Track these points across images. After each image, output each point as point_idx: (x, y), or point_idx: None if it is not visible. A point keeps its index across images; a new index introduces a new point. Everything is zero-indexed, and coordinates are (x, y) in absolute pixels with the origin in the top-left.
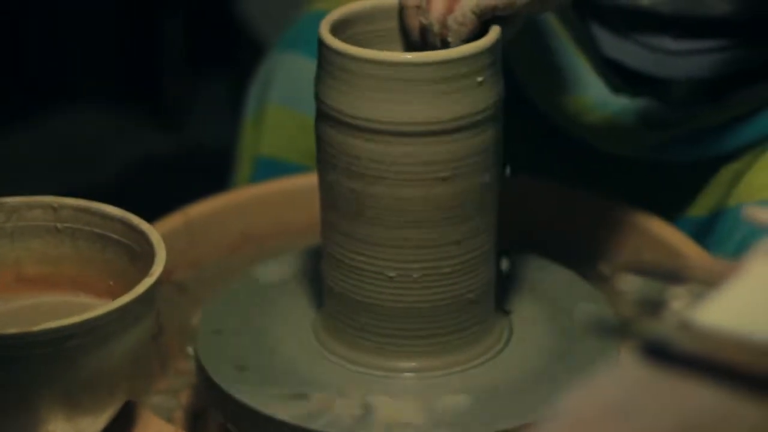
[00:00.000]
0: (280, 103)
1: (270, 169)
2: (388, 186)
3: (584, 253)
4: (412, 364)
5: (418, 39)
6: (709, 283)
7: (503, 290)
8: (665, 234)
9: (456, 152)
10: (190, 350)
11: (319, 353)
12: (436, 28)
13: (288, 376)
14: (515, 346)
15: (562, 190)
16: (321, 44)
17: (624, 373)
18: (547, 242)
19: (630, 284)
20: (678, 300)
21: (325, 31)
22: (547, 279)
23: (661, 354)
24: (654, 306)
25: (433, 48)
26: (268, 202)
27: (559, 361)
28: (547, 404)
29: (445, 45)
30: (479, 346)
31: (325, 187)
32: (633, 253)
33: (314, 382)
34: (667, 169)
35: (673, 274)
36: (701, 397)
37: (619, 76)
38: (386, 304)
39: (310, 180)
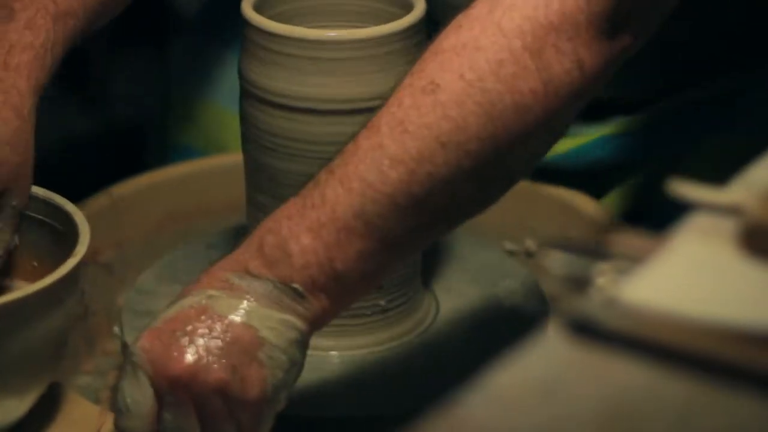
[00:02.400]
0: (190, 91)
1: (179, 155)
2: (312, 165)
3: (509, 229)
4: (336, 343)
5: None
6: (635, 259)
7: (430, 267)
8: (590, 210)
9: None
10: (116, 330)
11: None
12: None
13: None
14: (442, 322)
15: None
16: (244, 21)
17: (550, 351)
18: (475, 219)
19: (556, 261)
20: (604, 276)
21: (247, 8)
22: (474, 256)
23: (587, 331)
24: (580, 283)
25: None
26: (192, 181)
27: (485, 339)
28: (472, 382)
29: None
30: (408, 322)
31: (250, 165)
32: (558, 229)
33: None
34: (576, 175)
35: (598, 251)
36: (628, 374)
37: None
38: None
39: (234, 159)
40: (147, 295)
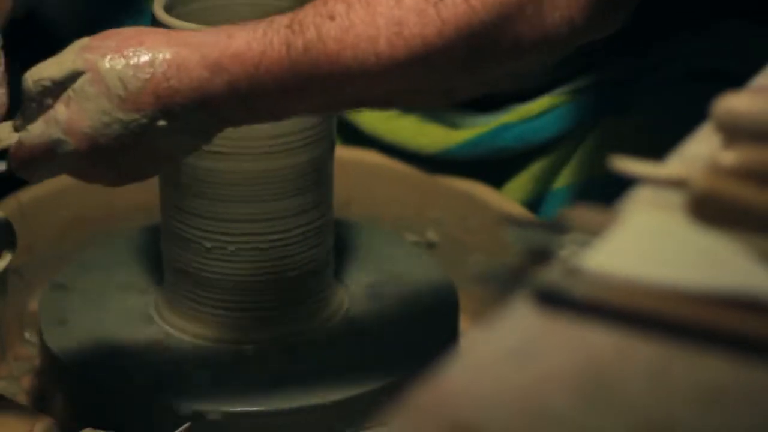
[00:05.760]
0: None
1: None
2: (222, 160)
3: (409, 221)
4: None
5: None
6: (592, 232)
7: (339, 259)
8: (491, 199)
9: (288, 125)
10: (28, 335)
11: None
12: None
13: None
14: (353, 316)
15: (387, 160)
16: (155, 21)
17: (519, 320)
18: (376, 212)
19: (518, 236)
20: (565, 248)
21: (158, 9)
22: (380, 247)
23: (554, 300)
24: (543, 255)
25: None
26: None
27: (396, 329)
28: (389, 372)
29: None
30: (318, 317)
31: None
32: (459, 220)
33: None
34: (475, 164)
35: (556, 225)
36: (596, 337)
37: None
38: (227, 277)
39: None
40: (59, 298)
